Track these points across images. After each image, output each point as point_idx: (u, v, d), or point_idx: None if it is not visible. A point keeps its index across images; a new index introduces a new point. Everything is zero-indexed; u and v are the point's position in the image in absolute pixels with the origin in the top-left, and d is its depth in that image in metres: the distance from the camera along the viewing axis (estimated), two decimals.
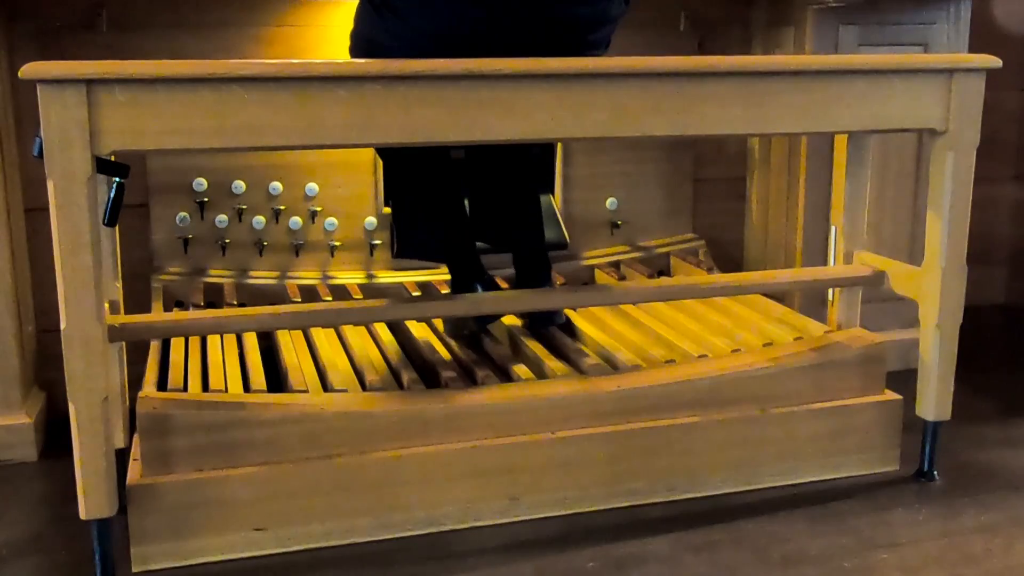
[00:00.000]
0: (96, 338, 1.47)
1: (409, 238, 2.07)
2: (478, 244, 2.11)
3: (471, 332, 2.12)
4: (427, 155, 1.96)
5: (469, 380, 1.89)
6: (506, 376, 1.91)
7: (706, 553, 1.69)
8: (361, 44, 1.83)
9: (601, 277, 2.48)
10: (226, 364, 1.89)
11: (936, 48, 2.42)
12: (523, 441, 1.77)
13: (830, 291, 2.10)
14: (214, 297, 2.25)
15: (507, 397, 1.78)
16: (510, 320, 2.17)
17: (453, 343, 2.09)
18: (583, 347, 2.03)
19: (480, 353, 2.04)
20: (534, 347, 2.02)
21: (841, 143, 2.04)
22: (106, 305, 1.54)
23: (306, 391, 1.79)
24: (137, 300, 2.13)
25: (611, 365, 1.93)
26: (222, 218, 2.29)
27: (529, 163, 2.12)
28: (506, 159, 2.08)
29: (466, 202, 2.12)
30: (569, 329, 2.13)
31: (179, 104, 1.45)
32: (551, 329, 2.12)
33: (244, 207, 2.30)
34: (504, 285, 2.22)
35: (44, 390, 2.20)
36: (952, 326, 1.89)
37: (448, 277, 2.17)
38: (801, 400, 1.92)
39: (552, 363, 1.93)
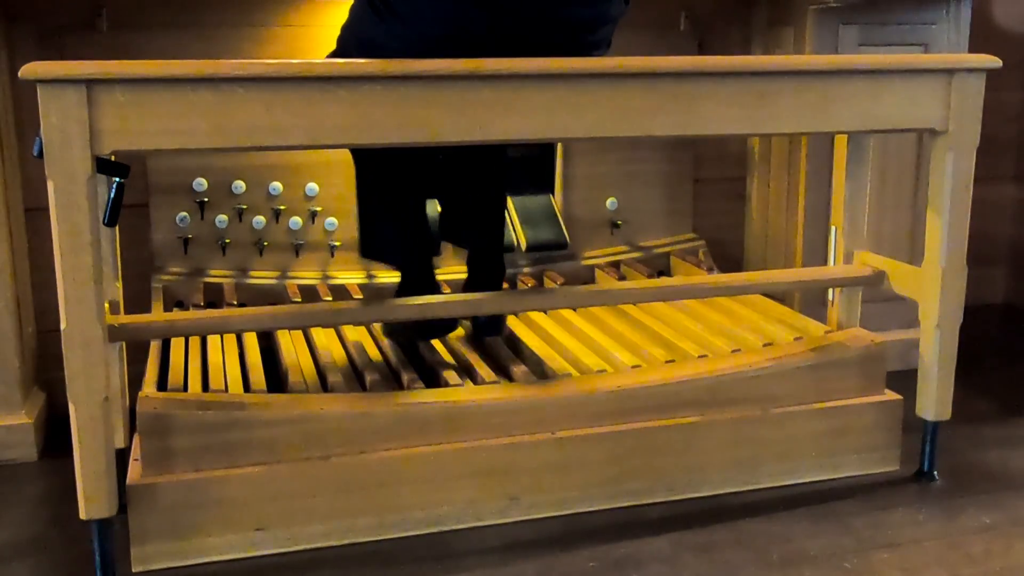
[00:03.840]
0: (96, 338, 1.47)
1: (372, 240, 2.09)
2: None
3: (409, 341, 2.08)
4: (397, 158, 1.97)
5: (469, 380, 1.89)
6: (506, 376, 1.91)
7: (706, 553, 1.69)
8: (356, 44, 1.82)
9: (601, 277, 2.48)
10: (226, 364, 1.90)
11: (936, 48, 2.42)
12: (523, 441, 1.77)
13: (830, 291, 2.10)
14: (214, 297, 2.25)
15: (507, 397, 1.78)
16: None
17: (453, 343, 2.09)
18: (584, 347, 2.03)
19: (480, 353, 2.04)
20: (535, 347, 2.02)
21: (841, 143, 2.04)
22: (106, 305, 1.54)
23: (306, 391, 1.79)
24: (137, 300, 2.13)
25: (610, 365, 1.93)
26: (222, 218, 2.29)
27: (496, 166, 2.10)
28: (472, 161, 2.07)
29: (438, 204, 2.15)
30: (511, 343, 2.09)
31: (179, 104, 1.45)
32: (496, 340, 2.09)
33: (244, 207, 2.30)
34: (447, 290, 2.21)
35: (44, 390, 2.20)
36: (952, 326, 1.89)
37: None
38: (801, 400, 1.92)
39: (553, 363, 1.93)
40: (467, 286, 2.10)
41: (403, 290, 2.07)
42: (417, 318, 2.06)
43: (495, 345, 2.06)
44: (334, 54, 1.90)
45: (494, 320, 2.08)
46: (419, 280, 2.05)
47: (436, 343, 2.08)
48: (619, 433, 1.81)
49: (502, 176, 2.12)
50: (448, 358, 2.00)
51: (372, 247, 2.16)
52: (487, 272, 2.08)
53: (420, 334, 2.07)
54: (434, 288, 2.06)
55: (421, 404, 1.74)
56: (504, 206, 2.13)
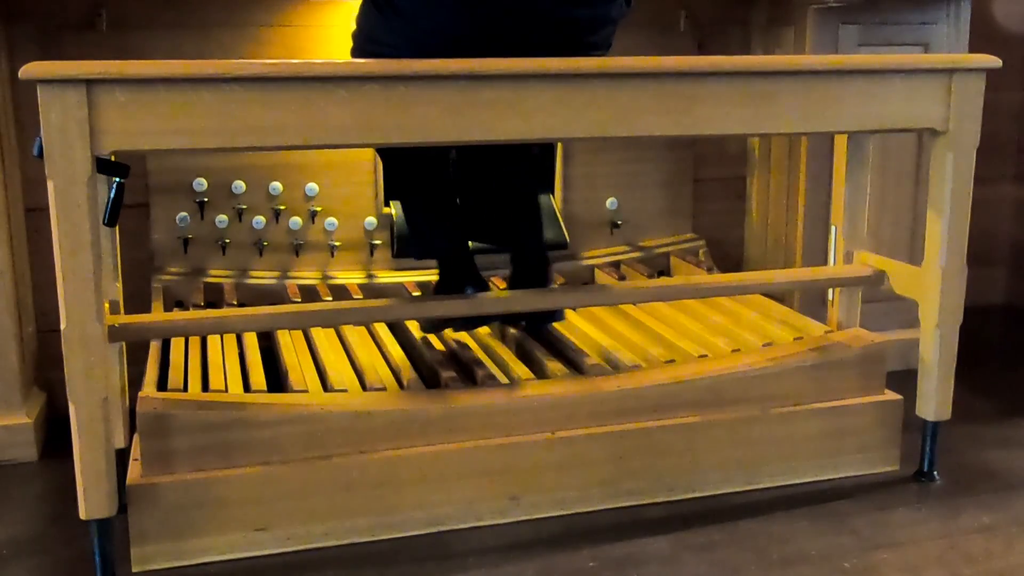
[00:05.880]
0: (96, 338, 1.47)
1: (408, 237, 2.06)
2: (477, 244, 2.08)
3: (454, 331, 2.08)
4: (425, 155, 1.96)
5: (469, 380, 1.89)
6: (506, 376, 1.91)
7: (706, 553, 1.69)
8: (364, 43, 1.84)
9: (601, 277, 2.48)
10: (226, 364, 1.89)
11: (936, 48, 2.42)
12: (523, 441, 1.77)
13: (830, 291, 2.10)
14: (214, 297, 2.25)
15: (507, 397, 1.78)
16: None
17: (453, 343, 2.09)
18: (583, 347, 2.03)
19: (480, 353, 2.03)
20: (535, 347, 2.02)
21: (841, 143, 2.04)
22: (106, 305, 1.54)
23: (306, 391, 1.79)
24: (137, 300, 2.13)
25: (611, 365, 1.93)
26: (222, 218, 2.29)
27: (527, 162, 2.09)
28: (503, 158, 2.06)
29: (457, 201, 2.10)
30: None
31: (179, 104, 1.45)
32: (551, 327, 2.09)
33: (244, 207, 2.30)
34: (502, 284, 2.21)
35: (44, 390, 2.20)
36: (952, 326, 1.89)
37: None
38: (801, 400, 1.92)
39: (552, 363, 1.93)
40: (512, 283, 2.09)
41: (446, 285, 2.03)
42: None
43: (495, 345, 2.06)
44: (352, 55, 1.90)
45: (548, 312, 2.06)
46: (462, 273, 2.01)
47: (435, 342, 2.08)
48: (619, 433, 1.81)
49: (528, 171, 2.09)
50: (447, 358, 2.00)
51: (409, 245, 2.08)
52: (534, 269, 2.07)
53: (462, 324, 2.05)
54: (477, 279, 2.01)
55: (421, 404, 1.74)
56: (536, 200, 2.09)
